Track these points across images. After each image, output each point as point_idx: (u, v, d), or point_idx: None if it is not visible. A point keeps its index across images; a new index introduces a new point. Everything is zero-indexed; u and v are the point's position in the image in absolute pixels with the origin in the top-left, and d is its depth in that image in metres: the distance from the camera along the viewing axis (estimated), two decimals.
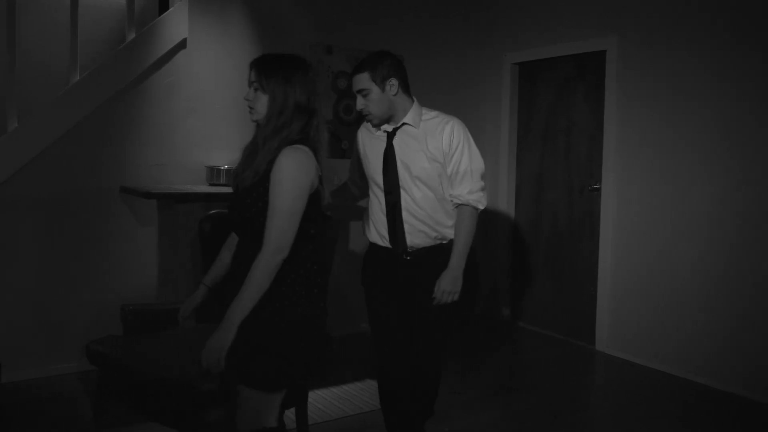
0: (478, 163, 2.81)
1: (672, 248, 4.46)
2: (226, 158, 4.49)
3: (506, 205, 5.70)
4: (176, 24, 4.28)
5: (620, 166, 4.79)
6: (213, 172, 4.28)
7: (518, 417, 3.72)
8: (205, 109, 4.46)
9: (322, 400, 3.80)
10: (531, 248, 5.61)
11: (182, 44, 4.33)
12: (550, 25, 5.28)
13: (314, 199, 2.24)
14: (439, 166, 2.76)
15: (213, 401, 2.60)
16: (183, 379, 2.58)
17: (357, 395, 3.90)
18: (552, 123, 5.41)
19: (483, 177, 2.83)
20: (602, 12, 4.88)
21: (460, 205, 2.81)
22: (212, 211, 3.35)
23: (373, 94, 2.69)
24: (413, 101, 2.83)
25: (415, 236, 2.81)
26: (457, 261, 2.84)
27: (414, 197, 2.77)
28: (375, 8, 5.14)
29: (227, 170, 4.27)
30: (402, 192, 2.77)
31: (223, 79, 4.53)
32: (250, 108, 2.32)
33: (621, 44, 4.74)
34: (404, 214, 2.78)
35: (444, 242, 2.86)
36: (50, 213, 3.90)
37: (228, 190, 4.05)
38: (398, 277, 2.87)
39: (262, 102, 2.27)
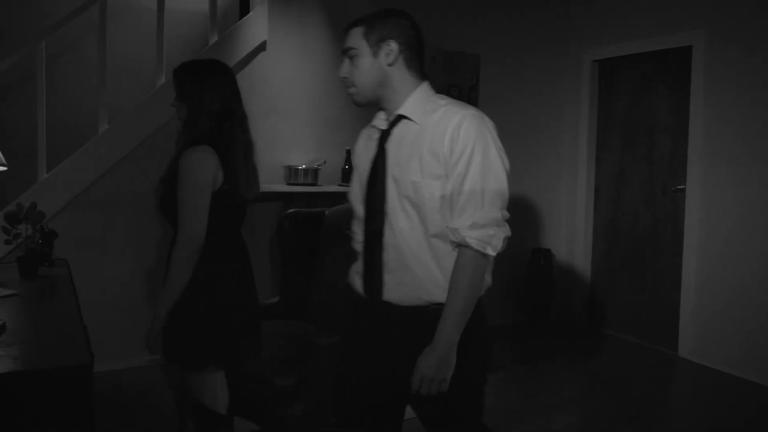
0: (496, 182, 1.80)
1: (763, 254, 4.26)
2: (304, 158, 4.57)
3: (584, 205, 5.58)
4: (256, 27, 4.38)
5: (707, 166, 4.61)
6: (291, 172, 4.36)
7: (594, 423, 3.64)
8: (283, 110, 4.55)
9: None
10: (610, 250, 5.47)
11: (262, 47, 4.43)
12: (631, 20, 5.13)
13: (222, 197, 2.31)
14: (438, 184, 1.81)
15: (290, 397, 2.66)
16: (261, 375, 2.65)
17: None
18: (632, 121, 5.26)
19: (503, 204, 1.82)
20: (687, 6, 4.70)
21: (459, 245, 1.80)
22: (291, 210, 3.42)
23: (361, 57, 1.86)
24: (421, 83, 1.91)
25: (395, 289, 1.88)
26: (445, 334, 1.78)
27: (399, 228, 1.85)
28: (450, 6, 5.12)
29: (305, 170, 4.34)
30: (387, 219, 1.88)
31: (300, 81, 4.61)
32: (177, 114, 2.42)
33: (709, 39, 4.56)
34: (386, 254, 1.88)
35: (434, 306, 1.84)
36: (139, 210, 4.07)
37: (306, 189, 4.13)
38: (381, 342, 1.93)
39: (183, 109, 2.37)
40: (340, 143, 4.72)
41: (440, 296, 1.83)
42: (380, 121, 1.97)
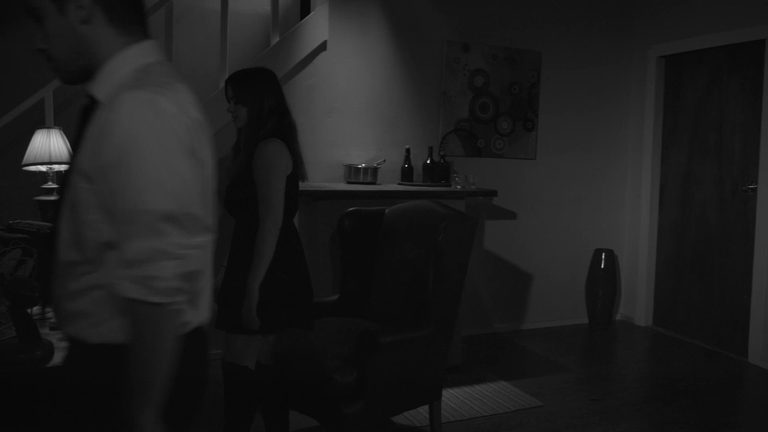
0: (158, 196, 1.24)
1: None
2: (364, 157, 4.58)
3: (649, 205, 5.43)
4: (317, 27, 4.42)
5: None
6: (351, 171, 4.39)
7: (660, 429, 3.53)
8: (343, 109, 4.58)
9: (455, 399, 3.79)
10: (675, 251, 5.31)
11: (323, 46, 4.47)
12: (699, 14, 4.97)
13: (291, 180, 2.65)
14: (88, 191, 1.31)
15: (350, 394, 2.66)
16: (322, 371, 2.66)
17: (490, 396, 3.86)
18: (701, 118, 5.09)
19: (178, 224, 1.25)
20: None
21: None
22: (351, 209, 3.43)
23: (47, 18, 1.36)
24: (130, 46, 1.39)
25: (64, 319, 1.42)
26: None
27: (60, 238, 1.38)
28: (512, 3, 5.06)
29: (365, 168, 4.36)
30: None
31: (360, 80, 4.63)
32: (234, 118, 2.69)
33: None
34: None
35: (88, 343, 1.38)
36: None
37: (366, 187, 4.14)
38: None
39: (243, 112, 2.66)
40: (399, 141, 4.72)
41: (92, 335, 1.36)
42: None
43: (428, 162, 4.63)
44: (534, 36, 5.14)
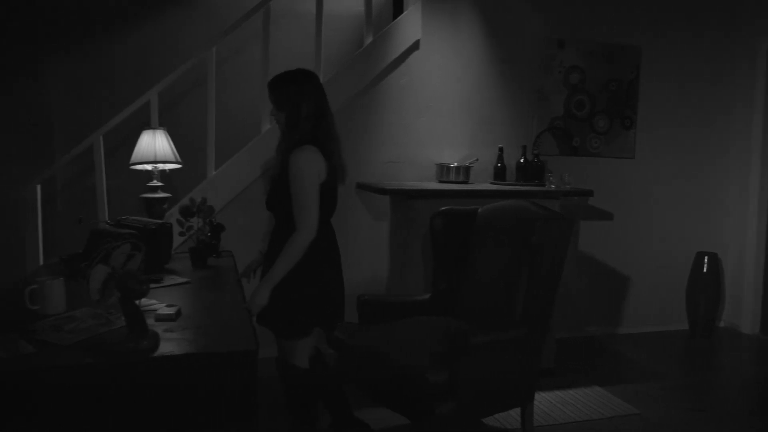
0: None
1: None
2: (456, 156, 4.56)
3: (756, 206, 5.14)
4: (410, 26, 4.43)
5: None
6: (443, 170, 4.37)
7: None
8: (436, 108, 4.57)
9: (547, 403, 3.71)
10: None
11: (415, 45, 4.47)
12: None
13: (325, 187, 2.64)
14: None
15: (442, 393, 2.65)
16: (414, 369, 2.67)
17: (584, 401, 3.76)
18: None
19: None
20: None
21: None
22: (443, 208, 3.42)
23: None
24: None
25: None
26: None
27: None
28: None
29: (457, 167, 4.34)
30: None
31: (453, 78, 4.61)
32: (276, 121, 2.73)
33: None
34: None
35: None
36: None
37: (458, 186, 4.12)
38: None
39: (281, 115, 2.68)
40: (492, 140, 4.66)
41: None
42: None
43: (521, 161, 4.56)
44: (633, 30, 4.97)
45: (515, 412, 3.31)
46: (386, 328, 3.09)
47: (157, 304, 2.35)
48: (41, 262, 4.03)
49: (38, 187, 4.09)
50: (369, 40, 4.38)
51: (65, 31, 4.43)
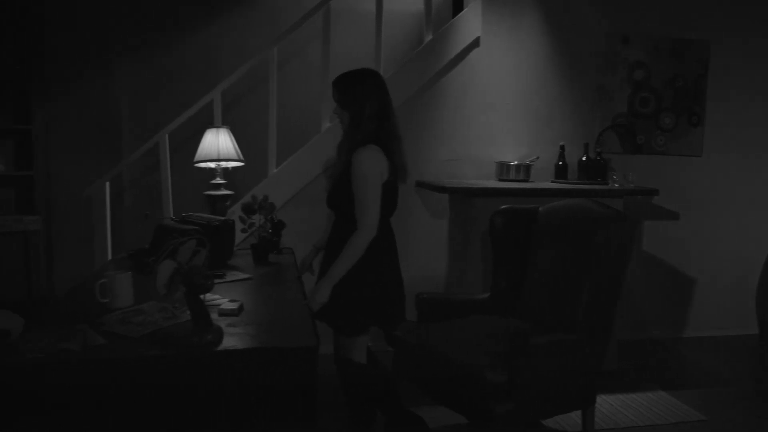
0: None
1: None
2: (516, 154, 4.51)
3: None
4: (470, 23, 4.40)
5: None
6: (503, 168, 4.33)
7: None
8: (496, 106, 4.53)
9: (608, 406, 3.63)
10: None
11: (475, 43, 4.44)
12: None
13: (387, 187, 2.64)
14: None
15: (501, 393, 2.63)
16: (473, 369, 2.65)
17: (646, 406, 3.67)
18: None
19: None
20: None
21: None
22: (504, 206, 3.38)
23: None
24: None
25: None
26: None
27: None
28: None
29: (517, 166, 4.29)
30: None
31: (513, 75, 4.55)
32: (339, 119, 2.75)
33: None
34: None
35: None
36: None
37: (518, 185, 4.08)
38: None
39: (345, 114, 2.69)
40: (553, 138, 4.59)
41: None
42: None
43: (584, 159, 4.47)
44: (701, 24, 4.81)
45: (576, 415, 3.26)
46: (445, 327, 3.08)
47: (220, 299, 2.39)
48: (109, 256, 4.17)
49: (107, 184, 4.23)
50: (428, 37, 4.37)
51: (134, 34, 4.56)
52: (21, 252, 4.42)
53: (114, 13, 4.52)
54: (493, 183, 4.22)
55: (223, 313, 2.23)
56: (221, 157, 3.96)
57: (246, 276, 2.85)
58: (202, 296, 1.96)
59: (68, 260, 4.60)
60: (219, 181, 4.05)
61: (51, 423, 1.81)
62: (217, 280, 2.53)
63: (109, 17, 4.51)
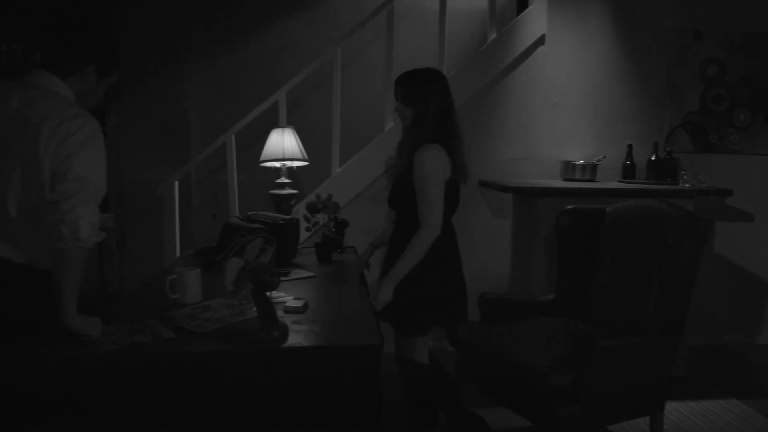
0: None
1: None
2: (582, 153, 4.42)
3: None
4: (535, 21, 4.34)
5: None
6: (568, 167, 4.26)
7: None
8: (561, 104, 4.46)
9: (677, 413, 3.53)
10: None
11: (540, 40, 4.38)
12: None
13: (449, 186, 2.63)
14: None
15: (566, 396, 2.58)
16: (538, 371, 2.61)
17: (718, 414, 3.54)
18: None
19: None
20: None
21: None
22: (569, 206, 3.33)
23: None
24: None
25: None
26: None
27: None
28: None
29: (583, 165, 4.21)
30: None
31: (579, 73, 4.47)
32: (400, 117, 2.74)
33: None
34: None
35: None
36: None
37: (584, 185, 4.00)
38: None
39: (408, 113, 2.68)
40: (620, 137, 4.48)
41: None
42: None
43: (652, 158, 4.35)
44: None
45: (643, 421, 3.17)
46: (509, 328, 3.04)
47: (285, 296, 2.43)
48: (178, 254, 4.28)
49: (176, 183, 4.35)
50: (492, 36, 4.33)
51: (203, 36, 4.67)
52: (96, 248, 4.58)
53: (183, 16, 4.64)
54: (558, 183, 4.15)
55: (288, 311, 2.26)
56: (286, 157, 4.01)
57: (310, 274, 2.89)
58: (268, 293, 1.99)
59: (138, 257, 4.75)
60: (284, 180, 4.11)
61: (121, 412, 1.87)
62: (282, 278, 2.57)
63: (179, 20, 4.63)
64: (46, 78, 2.07)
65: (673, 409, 3.55)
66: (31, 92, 2.03)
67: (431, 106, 2.64)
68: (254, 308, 2.05)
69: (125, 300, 2.70)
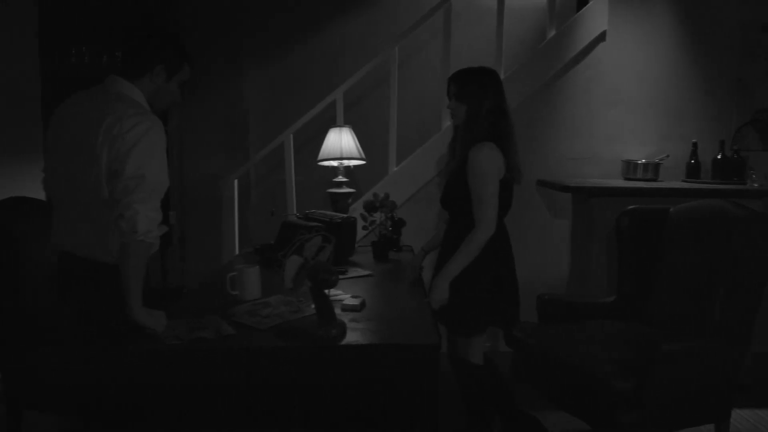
0: None
1: None
2: (644, 152, 4.32)
3: None
4: (596, 16, 4.25)
5: None
6: (629, 166, 4.16)
7: None
8: (622, 102, 4.36)
9: (743, 422, 3.41)
10: None
11: (601, 37, 4.29)
12: None
13: (503, 185, 2.61)
14: None
15: (628, 401, 2.53)
16: (598, 375, 2.56)
17: None
18: None
19: None
20: None
21: None
22: (631, 207, 3.25)
23: None
24: None
25: None
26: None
27: None
28: None
29: (644, 164, 4.10)
30: None
31: (641, 69, 4.36)
32: (452, 115, 2.73)
33: None
34: None
35: None
36: None
37: (646, 184, 3.90)
38: None
39: (462, 110, 2.67)
40: (684, 135, 4.36)
41: None
42: None
43: (719, 157, 4.21)
44: None
45: (707, 429, 3.07)
46: (568, 330, 2.99)
47: (342, 294, 2.44)
48: (237, 251, 4.36)
49: (235, 182, 4.42)
50: (552, 33, 4.26)
51: (262, 37, 4.74)
52: (159, 245, 4.71)
53: (242, 18, 4.72)
54: (619, 182, 4.06)
55: (346, 309, 2.27)
56: (344, 156, 4.03)
57: (367, 273, 2.90)
58: (326, 291, 2.00)
59: (198, 254, 4.85)
60: (341, 179, 4.13)
61: (181, 406, 1.91)
62: (339, 276, 2.59)
63: (238, 21, 4.71)
64: (118, 82, 2.18)
65: (738, 417, 3.44)
66: (101, 96, 2.14)
67: (485, 103, 2.63)
68: (312, 306, 2.07)
69: (187, 296, 2.76)
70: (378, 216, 3.31)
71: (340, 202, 4.03)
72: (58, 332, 2.62)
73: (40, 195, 4.33)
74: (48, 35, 4.41)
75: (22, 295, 2.71)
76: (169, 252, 4.79)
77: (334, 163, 4.13)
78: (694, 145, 4.26)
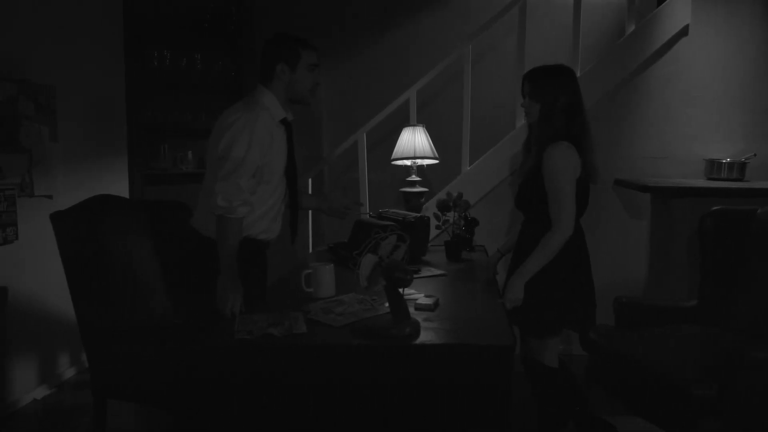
0: None
1: None
2: (728, 150, 4.15)
3: None
4: (678, 10, 4.11)
5: None
6: (713, 166, 4.00)
7: None
8: (705, 99, 4.19)
9: None
10: None
11: (683, 31, 4.14)
12: None
13: (579, 185, 2.55)
14: None
15: (709, 409, 2.44)
16: (678, 381, 2.49)
17: None
18: None
19: None
20: None
21: None
22: (715, 208, 3.14)
23: None
24: None
25: None
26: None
27: None
28: None
29: (729, 163, 3.94)
30: None
31: (726, 65, 4.19)
32: (526, 113, 2.68)
33: None
34: None
35: None
36: None
37: (731, 184, 3.75)
38: None
39: (535, 108, 2.61)
40: None
41: None
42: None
43: None
44: None
45: None
46: (647, 334, 2.91)
47: (416, 293, 2.45)
48: (310, 249, 4.42)
49: (309, 181, 4.49)
50: (631, 28, 4.15)
51: (334, 36, 4.80)
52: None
53: (314, 17, 4.78)
54: (702, 182, 3.92)
55: (420, 308, 2.28)
56: (417, 155, 4.03)
57: (440, 272, 2.89)
58: (401, 290, 2.01)
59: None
60: (414, 178, 4.14)
61: (248, 401, 1.96)
62: (413, 276, 2.60)
63: (310, 21, 4.78)
64: (259, 89, 2.56)
65: None
66: (238, 104, 2.54)
67: (559, 101, 2.58)
68: (386, 304, 2.08)
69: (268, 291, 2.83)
70: (451, 215, 3.30)
71: (413, 201, 4.04)
72: (140, 330, 2.79)
73: (124, 193, 4.50)
74: (132, 38, 4.58)
75: (107, 290, 2.84)
76: None
77: (408, 162, 4.14)
78: None
